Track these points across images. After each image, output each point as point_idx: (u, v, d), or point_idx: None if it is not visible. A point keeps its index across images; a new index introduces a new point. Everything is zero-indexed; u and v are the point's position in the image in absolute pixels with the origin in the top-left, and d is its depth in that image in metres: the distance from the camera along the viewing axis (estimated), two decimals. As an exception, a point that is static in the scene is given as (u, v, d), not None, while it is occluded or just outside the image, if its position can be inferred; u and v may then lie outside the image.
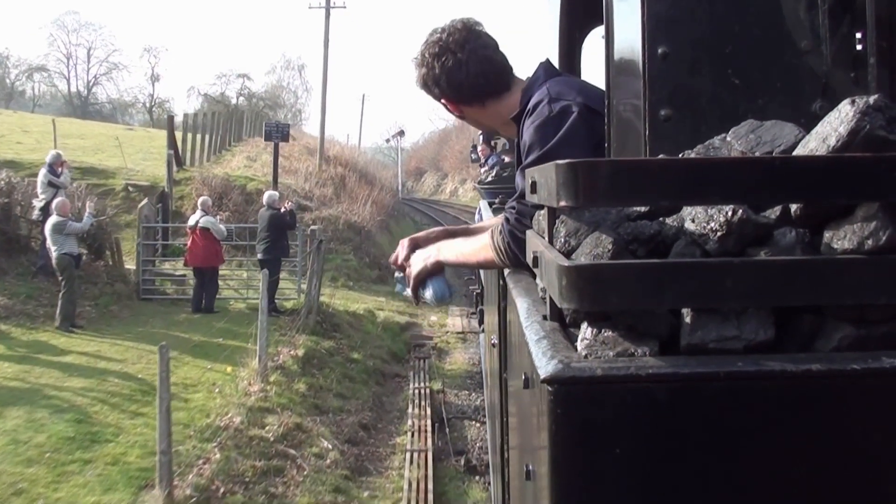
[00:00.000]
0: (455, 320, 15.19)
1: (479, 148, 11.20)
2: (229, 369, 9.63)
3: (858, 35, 1.21)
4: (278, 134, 19.85)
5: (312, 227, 14.42)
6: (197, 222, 12.41)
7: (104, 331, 11.15)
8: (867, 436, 0.86)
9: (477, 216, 5.56)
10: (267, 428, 8.27)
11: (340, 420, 9.27)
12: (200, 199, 13.39)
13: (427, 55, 1.95)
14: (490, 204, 4.05)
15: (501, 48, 2.01)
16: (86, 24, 73.68)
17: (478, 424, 9.52)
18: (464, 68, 1.91)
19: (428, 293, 1.94)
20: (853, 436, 0.86)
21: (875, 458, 0.86)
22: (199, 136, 22.88)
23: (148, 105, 64.98)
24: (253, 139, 27.60)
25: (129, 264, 13.86)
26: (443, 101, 2.02)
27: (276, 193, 13.83)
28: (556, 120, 1.74)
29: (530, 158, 1.74)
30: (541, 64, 1.98)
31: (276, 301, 12.81)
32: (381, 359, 12.30)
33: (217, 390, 9.07)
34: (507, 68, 1.98)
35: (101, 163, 20.76)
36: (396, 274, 2.12)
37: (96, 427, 7.75)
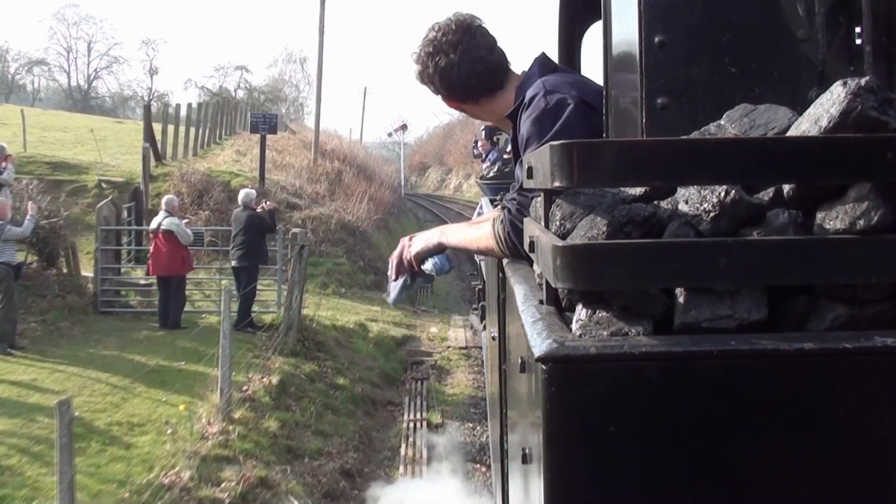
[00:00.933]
0: (458, 333, 15.30)
1: (480, 143, 11.52)
2: (182, 407, 9.05)
3: (857, 30, 1.37)
4: (265, 125, 20.10)
5: (295, 229, 14.43)
6: (159, 225, 12.22)
7: (48, 353, 10.82)
8: (859, 414, 1.00)
9: (477, 213, 5.79)
10: (223, 485, 7.68)
11: (318, 467, 8.80)
12: (165, 199, 13.16)
13: (422, 53, 2.25)
14: (492, 201, 4.27)
15: (503, 44, 2.27)
16: (86, 17, 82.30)
17: (483, 468, 9.02)
18: (455, 69, 2.20)
19: (428, 265, 2.32)
20: (845, 414, 1.00)
21: (867, 436, 1.00)
22: (182, 129, 23.17)
23: (146, 98, 67.08)
24: (247, 132, 28.12)
25: (89, 272, 13.58)
26: (439, 96, 2.31)
27: (253, 192, 13.64)
28: (553, 112, 1.98)
29: (529, 151, 1.93)
30: (535, 59, 2.23)
31: (252, 314, 12.78)
32: (371, 383, 12.21)
33: (170, 430, 8.52)
34: (501, 67, 2.25)
35: (76, 157, 20.91)
36: (391, 281, 2.45)
37: (5, 489, 7.06)
